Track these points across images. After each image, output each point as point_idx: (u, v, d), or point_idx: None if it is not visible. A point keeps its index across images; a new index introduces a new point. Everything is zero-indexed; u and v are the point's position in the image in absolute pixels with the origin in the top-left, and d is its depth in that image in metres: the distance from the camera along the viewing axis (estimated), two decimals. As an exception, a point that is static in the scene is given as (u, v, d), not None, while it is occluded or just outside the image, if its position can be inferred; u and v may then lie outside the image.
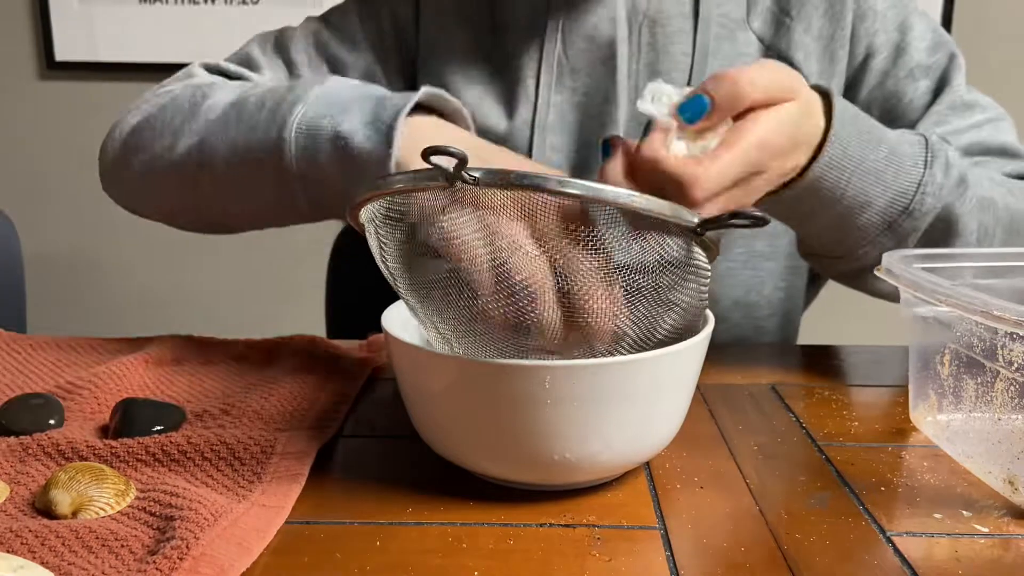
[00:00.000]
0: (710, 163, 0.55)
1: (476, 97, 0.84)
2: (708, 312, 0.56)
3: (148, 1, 1.92)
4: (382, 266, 0.55)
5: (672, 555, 0.47)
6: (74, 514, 0.49)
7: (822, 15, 0.82)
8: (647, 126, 0.59)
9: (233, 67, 0.86)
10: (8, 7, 1.95)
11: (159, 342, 0.77)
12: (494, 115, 0.84)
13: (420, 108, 0.67)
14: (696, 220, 0.49)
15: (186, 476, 0.54)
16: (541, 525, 0.50)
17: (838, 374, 0.75)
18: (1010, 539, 0.49)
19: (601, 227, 0.48)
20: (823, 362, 0.78)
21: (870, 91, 0.83)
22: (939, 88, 0.81)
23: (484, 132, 0.83)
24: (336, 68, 0.87)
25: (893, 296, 0.73)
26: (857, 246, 0.69)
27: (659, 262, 0.49)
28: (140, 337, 0.79)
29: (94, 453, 0.56)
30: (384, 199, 0.52)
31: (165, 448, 0.56)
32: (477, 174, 0.47)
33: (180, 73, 0.86)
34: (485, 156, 0.64)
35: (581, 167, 0.84)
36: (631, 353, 0.53)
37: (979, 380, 0.55)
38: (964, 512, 0.51)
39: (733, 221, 0.49)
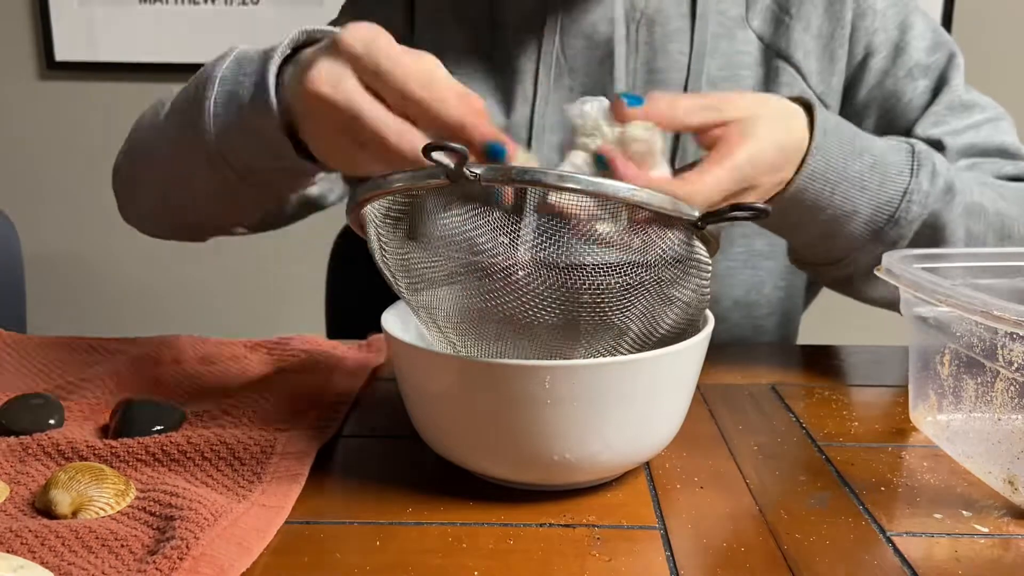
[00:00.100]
0: (698, 179, 0.55)
1: None
2: (708, 312, 0.56)
3: (148, 1, 1.92)
4: (382, 266, 0.55)
5: (672, 555, 0.47)
6: (74, 514, 0.49)
7: (822, 13, 0.82)
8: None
9: None
10: (8, 7, 1.95)
11: (159, 342, 0.77)
12: (492, 113, 0.84)
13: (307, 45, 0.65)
14: (697, 214, 0.49)
15: (186, 476, 0.54)
16: (541, 525, 0.50)
17: (838, 374, 0.75)
18: (1010, 539, 0.49)
19: (602, 222, 0.48)
20: (823, 362, 0.78)
21: (869, 90, 0.82)
22: (938, 88, 0.81)
23: None
24: None
25: (886, 303, 0.74)
26: (845, 254, 0.69)
27: (660, 256, 0.49)
28: (140, 337, 0.79)
29: (94, 453, 0.56)
30: (384, 198, 0.52)
31: (165, 448, 0.56)
32: (478, 170, 0.47)
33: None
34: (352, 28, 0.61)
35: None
36: (632, 351, 0.53)
37: (979, 380, 0.55)
38: (964, 512, 0.51)
39: (734, 213, 0.49)
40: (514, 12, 0.85)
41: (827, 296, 1.01)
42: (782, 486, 0.54)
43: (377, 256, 0.55)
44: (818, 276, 0.76)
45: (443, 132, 0.53)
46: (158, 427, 0.59)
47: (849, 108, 0.84)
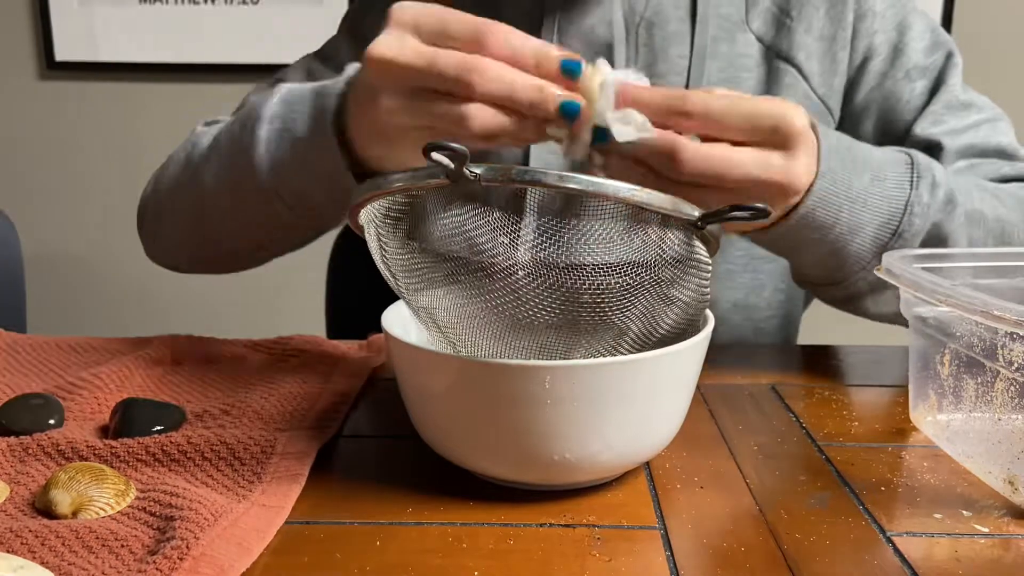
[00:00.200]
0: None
1: None
2: (708, 312, 0.56)
3: (148, 1, 1.92)
4: (382, 266, 0.55)
5: (672, 555, 0.47)
6: (74, 514, 0.49)
7: (823, 15, 0.82)
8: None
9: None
10: (8, 7, 1.95)
11: (159, 342, 0.77)
12: None
13: None
14: (697, 213, 0.49)
15: (186, 476, 0.54)
16: (541, 525, 0.50)
17: (838, 374, 0.75)
18: (1010, 539, 0.49)
19: (600, 221, 0.48)
20: (823, 362, 0.78)
21: (868, 92, 0.82)
22: (935, 88, 0.81)
23: None
24: None
25: (890, 319, 0.73)
26: (851, 272, 0.68)
27: (660, 256, 0.49)
28: (140, 337, 0.79)
29: (94, 453, 0.56)
30: (384, 198, 0.52)
31: (165, 448, 0.56)
32: (478, 170, 0.47)
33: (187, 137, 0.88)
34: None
35: (581, 168, 0.84)
36: (632, 351, 0.53)
37: (979, 380, 0.55)
38: (964, 512, 0.51)
39: (734, 213, 0.49)
40: (511, 14, 0.84)
41: (827, 296, 1.01)
42: (782, 486, 0.54)
43: (377, 256, 0.55)
44: (820, 296, 0.75)
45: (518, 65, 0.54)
46: (158, 427, 0.59)
47: (848, 109, 0.84)
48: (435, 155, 0.46)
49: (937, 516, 0.51)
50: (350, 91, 0.64)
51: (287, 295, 1.97)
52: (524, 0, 0.84)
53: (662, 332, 0.53)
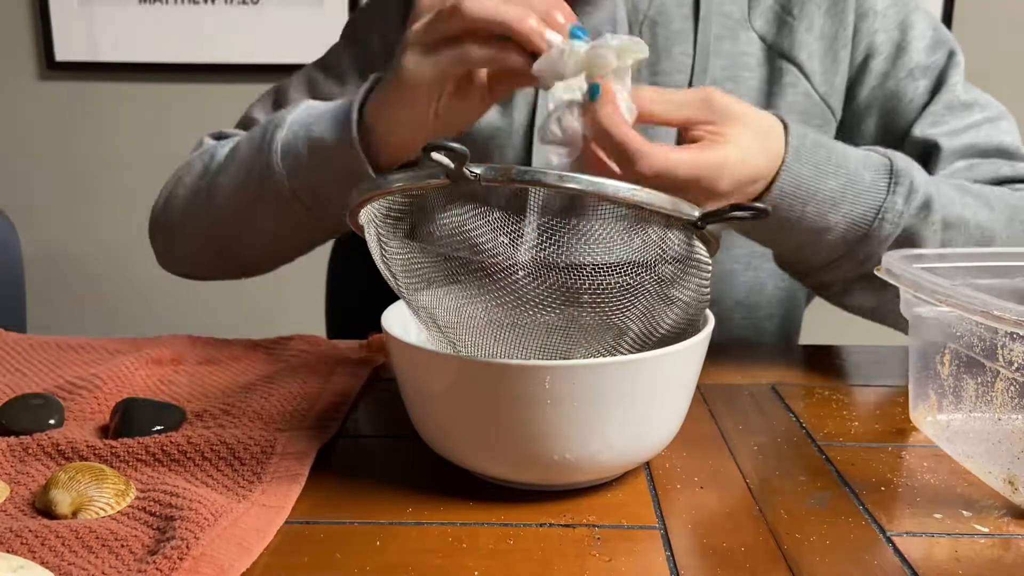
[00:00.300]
0: (665, 150, 0.57)
1: None
2: (708, 312, 0.56)
3: (148, 1, 1.92)
4: (382, 266, 0.55)
5: (672, 555, 0.47)
6: (74, 514, 0.49)
7: (824, 14, 0.82)
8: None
9: (237, 132, 0.90)
10: (8, 7, 1.95)
11: (159, 342, 0.77)
12: (492, 117, 0.84)
13: None
14: (697, 213, 0.49)
15: (186, 476, 0.54)
16: (541, 525, 0.50)
17: (838, 374, 0.75)
18: (1010, 539, 0.49)
19: (600, 221, 0.48)
20: (823, 362, 0.78)
21: (871, 91, 0.82)
22: (937, 87, 0.81)
23: (484, 136, 0.84)
24: None
25: (863, 312, 0.75)
26: (820, 265, 0.70)
27: (660, 256, 0.49)
28: (140, 337, 0.79)
29: (94, 453, 0.56)
30: (384, 198, 0.52)
31: (165, 448, 0.56)
32: (478, 170, 0.47)
33: (193, 148, 0.90)
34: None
35: (581, 169, 0.84)
36: (633, 351, 0.53)
37: (979, 380, 0.55)
38: (964, 512, 0.51)
39: (734, 214, 0.49)
40: None
41: (827, 296, 1.01)
42: (782, 486, 0.54)
43: (377, 256, 0.55)
44: (801, 282, 0.77)
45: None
46: (158, 427, 0.59)
47: (851, 108, 0.84)
48: (435, 155, 0.46)
49: (937, 516, 0.51)
50: (375, 84, 0.69)
51: (287, 295, 1.97)
52: None
53: (662, 332, 0.53)
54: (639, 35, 0.82)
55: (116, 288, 2.07)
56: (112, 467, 0.55)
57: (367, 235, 0.55)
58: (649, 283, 0.50)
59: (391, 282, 0.55)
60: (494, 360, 0.49)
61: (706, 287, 0.53)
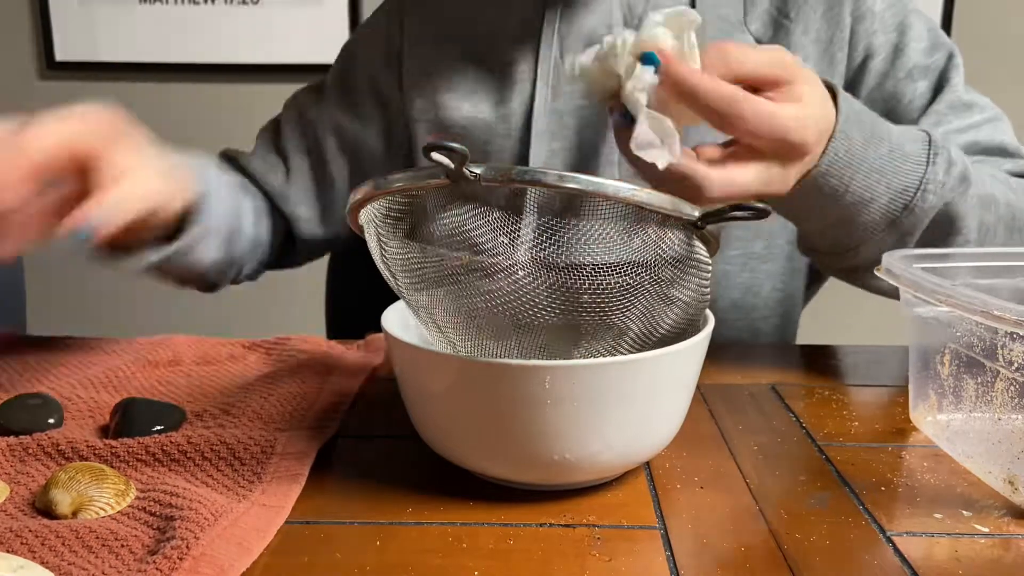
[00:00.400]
0: (757, 98, 0.56)
1: (471, 106, 0.85)
2: (708, 312, 0.56)
3: (148, 1, 1.92)
4: (382, 266, 0.55)
5: (672, 555, 0.47)
6: (74, 514, 0.49)
7: (820, 17, 0.82)
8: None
9: (247, 160, 0.92)
10: (8, 7, 1.95)
11: (159, 342, 0.77)
12: (490, 122, 0.84)
13: None
14: (697, 214, 0.49)
15: (186, 476, 0.54)
16: (541, 525, 0.50)
17: (838, 374, 0.75)
18: (1010, 539, 0.49)
19: (600, 221, 0.48)
20: (823, 362, 0.78)
21: (869, 92, 0.83)
22: (938, 88, 0.81)
23: (481, 139, 0.84)
24: (308, 134, 0.92)
25: (892, 293, 0.73)
26: (858, 243, 0.68)
27: (660, 256, 0.49)
28: (140, 337, 0.79)
29: (94, 453, 0.56)
30: (384, 198, 0.52)
31: (165, 448, 0.56)
32: (478, 170, 0.47)
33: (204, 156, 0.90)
34: None
35: (580, 170, 0.84)
36: (633, 351, 0.53)
37: (979, 380, 0.55)
38: (964, 512, 0.51)
39: (734, 213, 0.49)
40: (510, 17, 0.85)
41: (827, 296, 1.01)
42: (782, 486, 0.54)
43: (377, 256, 0.55)
44: (825, 265, 0.76)
45: None
46: (158, 427, 0.59)
47: None
48: (435, 155, 0.46)
49: (937, 516, 0.51)
50: None
51: (287, 295, 1.97)
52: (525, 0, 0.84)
53: (662, 332, 0.53)
54: None
55: (116, 288, 2.07)
56: (112, 467, 0.55)
57: (367, 235, 0.55)
58: (649, 283, 0.50)
59: (391, 282, 0.55)
60: (494, 360, 0.49)
61: (706, 287, 0.53)
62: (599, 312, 0.50)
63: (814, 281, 0.95)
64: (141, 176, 0.62)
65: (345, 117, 0.91)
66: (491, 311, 0.51)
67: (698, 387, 0.67)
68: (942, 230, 0.68)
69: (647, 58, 0.55)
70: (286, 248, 0.96)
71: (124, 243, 0.68)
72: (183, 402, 0.66)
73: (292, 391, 0.65)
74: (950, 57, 0.82)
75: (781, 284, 0.88)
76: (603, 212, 0.48)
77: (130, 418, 0.59)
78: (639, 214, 0.48)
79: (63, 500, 0.49)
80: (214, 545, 0.45)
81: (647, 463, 0.57)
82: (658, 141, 0.55)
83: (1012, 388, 0.52)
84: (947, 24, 1.87)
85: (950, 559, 0.46)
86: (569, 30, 0.82)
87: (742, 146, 0.59)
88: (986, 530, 0.49)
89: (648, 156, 0.55)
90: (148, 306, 2.08)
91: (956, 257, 0.62)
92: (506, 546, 0.48)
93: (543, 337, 0.53)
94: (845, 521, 0.50)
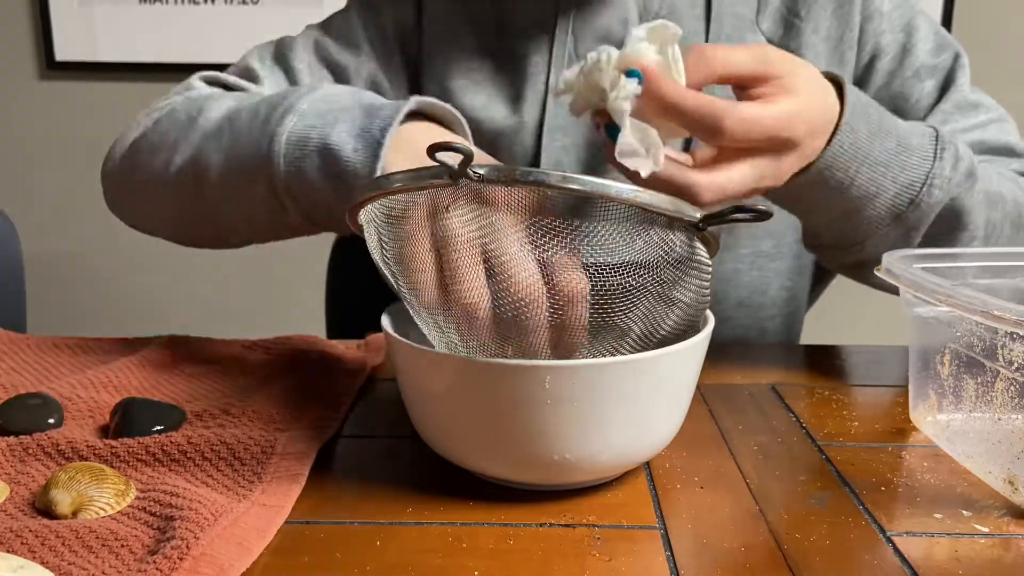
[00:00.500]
0: (738, 105, 0.55)
1: (483, 98, 0.84)
2: (708, 312, 0.56)
3: (148, 1, 1.92)
4: (382, 266, 0.55)
5: (672, 555, 0.47)
6: (74, 514, 0.49)
7: (830, 16, 0.82)
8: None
9: (232, 79, 0.84)
10: (8, 7, 1.95)
11: (159, 342, 0.77)
12: (502, 115, 0.84)
13: (412, 115, 0.65)
14: (698, 215, 0.49)
15: (186, 476, 0.54)
16: (541, 525, 0.50)
17: (838, 374, 0.75)
18: (1010, 539, 0.49)
19: (603, 222, 0.48)
20: (823, 362, 0.78)
21: (876, 91, 0.83)
22: (944, 88, 0.82)
23: (492, 133, 0.83)
24: (337, 74, 0.85)
25: (896, 290, 0.73)
26: (864, 237, 0.68)
27: (661, 258, 0.49)
28: (140, 337, 0.79)
29: (94, 453, 0.56)
30: (384, 198, 0.52)
31: (165, 448, 0.56)
32: (481, 171, 0.47)
33: (179, 87, 0.84)
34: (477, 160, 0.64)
35: (591, 167, 0.84)
36: (633, 352, 0.53)
37: (979, 380, 0.55)
38: (964, 512, 0.51)
39: (736, 215, 0.49)
40: (525, 13, 0.84)
41: (829, 296, 1.01)
42: (782, 486, 0.54)
43: (377, 256, 0.55)
44: (829, 260, 0.76)
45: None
46: (158, 427, 0.59)
47: None
48: (439, 155, 0.46)
49: (937, 516, 0.51)
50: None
51: (287, 295, 1.97)
52: None
53: (663, 333, 0.53)
54: None
55: (115, 288, 2.07)
56: (112, 467, 0.55)
57: (367, 235, 0.55)
58: (650, 284, 0.50)
59: (391, 282, 0.55)
60: (494, 360, 0.49)
61: (706, 288, 0.53)
62: (601, 313, 0.50)
63: (819, 281, 0.95)
64: None
65: (371, 52, 0.86)
66: (492, 311, 0.51)
67: (698, 387, 0.67)
68: (948, 225, 0.68)
69: (631, 74, 0.55)
70: None
71: None
72: (183, 402, 0.66)
73: (292, 391, 0.65)
74: (956, 57, 0.82)
75: (788, 283, 0.88)
76: (606, 213, 0.48)
77: (130, 418, 0.59)
78: (642, 216, 0.48)
79: (63, 500, 0.49)
80: (214, 545, 0.45)
81: (647, 463, 0.57)
82: (642, 150, 0.55)
83: (1012, 388, 0.52)
84: (947, 24, 1.87)
85: (950, 559, 0.46)
86: (584, 25, 0.82)
87: (729, 147, 0.59)
88: (986, 530, 0.49)
89: (631, 164, 0.55)
90: (148, 306, 2.07)
91: (956, 257, 0.62)
92: (506, 546, 0.48)
93: (544, 338, 0.53)
94: (845, 521, 0.50)
